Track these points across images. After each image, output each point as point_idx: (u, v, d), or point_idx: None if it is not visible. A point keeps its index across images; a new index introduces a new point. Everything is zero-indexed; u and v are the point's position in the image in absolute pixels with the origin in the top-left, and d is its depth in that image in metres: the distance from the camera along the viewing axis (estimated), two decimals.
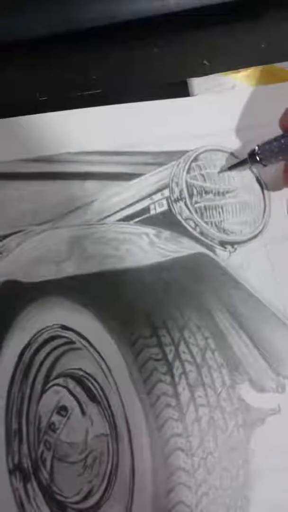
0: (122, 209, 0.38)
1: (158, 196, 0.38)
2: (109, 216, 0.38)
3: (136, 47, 0.40)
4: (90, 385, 0.35)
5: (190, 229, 0.37)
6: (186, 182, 0.37)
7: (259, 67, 0.39)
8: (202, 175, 0.37)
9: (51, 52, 0.39)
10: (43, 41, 0.38)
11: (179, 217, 0.37)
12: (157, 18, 0.39)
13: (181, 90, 0.39)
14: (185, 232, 0.37)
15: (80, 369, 0.35)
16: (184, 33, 0.40)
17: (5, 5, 0.39)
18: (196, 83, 0.39)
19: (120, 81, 0.39)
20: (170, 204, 0.37)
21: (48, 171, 0.38)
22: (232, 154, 0.38)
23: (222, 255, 0.36)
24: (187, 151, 0.38)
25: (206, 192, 0.37)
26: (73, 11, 0.39)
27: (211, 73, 0.39)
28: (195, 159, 0.37)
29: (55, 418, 0.34)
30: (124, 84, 0.39)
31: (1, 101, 0.38)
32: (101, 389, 0.34)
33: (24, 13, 0.39)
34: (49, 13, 0.39)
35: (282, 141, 0.33)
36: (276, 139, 0.34)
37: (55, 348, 0.36)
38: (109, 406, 0.34)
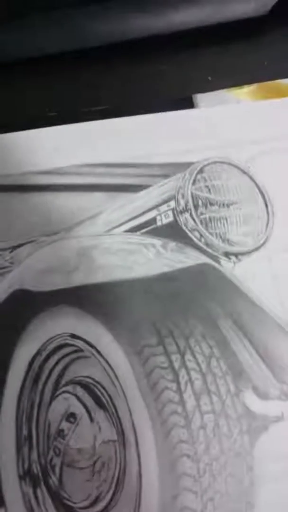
0: (129, 220, 0.39)
1: (164, 208, 0.38)
2: (116, 227, 0.39)
3: (143, 64, 0.41)
4: (98, 392, 0.36)
5: (195, 240, 0.37)
6: (192, 193, 0.38)
7: (263, 83, 0.40)
8: (207, 187, 0.38)
9: (61, 69, 0.40)
10: (54, 58, 0.39)
11: (184, 228, 0.38)
12: (164, 36, 0.40)
13: (187, 106, 0.40)
14: (190, 243, 0.37)
15: (88, 376, 0.36)
16: (189, 50, 0.41)
17: (15, 23, 0.40)
18: (201, 98, 0.40)
19: (128, 97, 0.40)
20: (176, 215, 0.38)
21: (57, 183, 0.40)
22: (236, 166, 0.39)
23: (226, 266, 0.37)
24: (193, 163, 0.39)
25: (211, 204, 0.38)
26: (82, 30, 0.40)
27: (215, 89, 0.40)
28: (201, 171, 0.38)
29: (64, 424, 0.35)
30: (131, 100, 0.40)
31: (12, 116, 0.40)
32: (109, 396, 0.35)
33: (34, 31, 0.40)
34: (58, 31, 0.40)
35: None
36: None
37: (64, 356, 0.37)
38: (117, 413, 0.35)
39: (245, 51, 0.41)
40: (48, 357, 0.37)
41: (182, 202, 0.38)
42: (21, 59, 0.40)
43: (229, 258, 0.37)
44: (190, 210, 0.38)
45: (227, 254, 0.37)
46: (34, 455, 0.35)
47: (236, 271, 0.37)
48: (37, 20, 0.40)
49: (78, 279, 0.37)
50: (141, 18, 0.41)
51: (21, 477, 0.35)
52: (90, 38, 0.40)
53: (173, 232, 0.38)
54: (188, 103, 0.40)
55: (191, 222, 0.38)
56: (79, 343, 0.36)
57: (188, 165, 0.39)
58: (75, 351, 0.36)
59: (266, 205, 0.38)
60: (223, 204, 0.38)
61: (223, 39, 0.41)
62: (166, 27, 0.41)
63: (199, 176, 0.38)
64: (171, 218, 0.38)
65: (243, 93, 0.40)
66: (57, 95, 0.40)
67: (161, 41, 0.40)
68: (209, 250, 0.37)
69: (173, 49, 0.41)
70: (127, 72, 0.41)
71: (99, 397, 0.35)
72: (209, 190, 0.38)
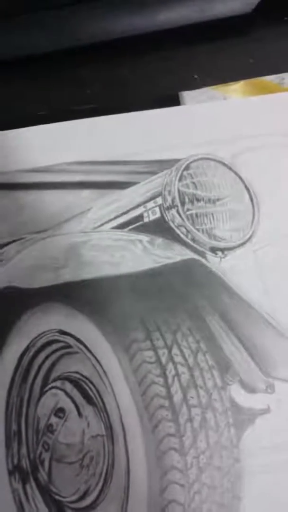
0: (117, 217, 0.39)
1: (151, 204, 0.39)
2: (104, 223, 0.39)
3: (130, 63, 0.41)
4: (86, 387, 0.36)
5: (182, 235, 0.38)
6: (178, 190, 0.38)
7: (248, 81, 0.41)
8: (194, 183, 0.39)
9: (50, 68, 0.40)
10: (43, 58, 0.40)
11: (171, 224, 0.38)
12: (150, 34, 0.40)
13: (173, 104, 0.40)
14: (177, 239, 0.38)
15: (77, 372, 0.36)
16: (175, 48, 0.41)
17: (3, 23, 0.41)
18: (187, 96, 0.40)
19: (115, 95, 0.41)
20: (163, 212, 0.38)
21: (45, 181, 0.40)
22: (222, 162, 0.39)
23: (213, 261, 0.37)
24: (179, 160, 0.39)
25: (198, 200, 0.38)
26: (70, 30, 0.40)
27: (201, 87, 0.40)
28: (187, 167, 0.39)
29: (53, 420, 0.35)
30: (118, 98, 0.41)
31: (1, 115, 0.40)
32: (97, 391, 0.35)
33: (22, 31, 0.41)
34: (47, 31, 0.41)
35: None
36: None
37: (53, 352, 0.37)
38: (105, 408, 0.35)
39: (231, 49, 0.41)
40: (37, 353, 0.37)
41: (168, 199, 0.38)
42: (10, 58, 0.40)
43: (216, 253, 0.38)
44: (177, 206, 0.38)
45: (213, 250, 0.38)
46: (23, 450, 0.35)
47: (223, 266, 0.37)
48: (25, 20, 0.41)
49: (67, 275, 0.37)
50: (128, 17, 0.41)
51: (11, 472, 0.35)
52: (78, 38, 0.41)
53: (160, 228, 0.38)
54: (175, 101, 0.40)
55: (177, 218, 0.38)
56: (68, 339, 0.37)
57: (174, 162, 0.39)
58: (64, 347, 0.37)
59: (252, 201, 0.38)
60: (209, 200, 0.38)
61: (209, 37, 0.41)
62: (152, 26, 0.41)
63: (185, 173, 0.39)
64: (158, 215, 0.39)
65: (229, 90, 0.41)
66: (46, 94, 0.41)
67: (148, 39, 0.41)
68: (196, 246, 0.38)
69: (159, 47, 0.41)
70: (115, 71, 0.41)
71: (87, 392, 0.36)
72: (196, 186, 0.39)
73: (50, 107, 0.40)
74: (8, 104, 0.40)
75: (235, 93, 0.41)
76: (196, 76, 0.41)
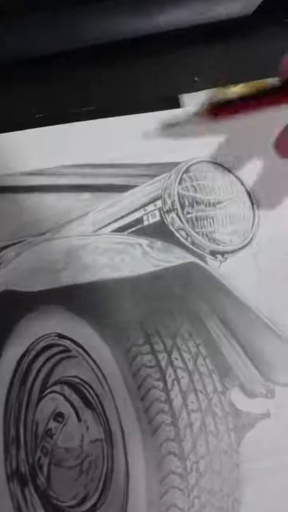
0: (116, 220, 0.39)
1: (151, 207, 0.39)
2: (103, 227, 0.39)
3: (130, 65, 0.41)
4: (85, 392, 0.36)
5: (182, 239, 0.38)
6: (178, 193, 0.38)
7: (249, 83, 0.41)
8: (194, 186, 0.38)
9: (48, 70, 0.40)
10: (40, 59, 0.39)
11: (171, 227, 0.38)
12: (150, 37, 0.40)
13: (173, 106, 0.40)
14: (177, 242, 0.38)
15: (76, 376, 0.36)
16: (175, 51, 0.41)
17: (3, 24, 0.40)
18: (187, 98, 0.40)
19: (115, 97, 0.41)
20: (163, 215, 0.38)
21: (44, 184, 0.40)
22: (222, 165, 0.39)
23: (212, 264, 0.37)
24: (179, 163, 0.39)
25: (198, 203, 0.38)
26: (69, 31, 0.40)
27: (201, 90, 0.40)
28: (187, 170, 0.39)
29: (52, 424, 0.35)
30: (118, 101, 0.40)
31: None
32: (96, 395, 0.35)
33: (21, 32, 0.41)
34: (46, 33, 0.41)
35: None
36: None
37: (52, 356, 0.37)
38: (104, 412, 0.35)
39: (231, 51, 0.41)
40: (35, 357, 0.37)
41: (168, 202, 0.38)
42: (8, 60, 0.40)
43: (216, 257, 0.38)
44: (177, 209, 0.38)
45: (213, 253, 0.38)
46: (22, 455, 0.35)
47: (223, 269, 0.37)
48: (24, 21, 0.41)
49: (66, 279, 0.37)
50: (128, 19, 0.41)
51: (9, 477, 0.35)
52: (76, 40, 0.40)
53: (160, 231, 0.38)
54: (175, 104, 0.40)
55: (177, 221, 0.38)
56: (67, 343, 0.36)
57: (174, 165, 0.39)
58: (63, 351, 0.37)
59: (252, 204, 0.38)
60: (210, 203, 0.38)
61: (209, 40, 0.41)
62: (153, 28, 0.41)
63: (185, 176, 0.38)
64: (157, 218, 0.38)
65: (230, 93, 0.41)
66: (44, 97, 0.40)
67: (148, 41, 0.41)
68: (196, 249, 0.38)
69: (159, 49, 0.41)
70: (114, 73, 0.41)
71: (86, 397, 0.36)
72: (195, 189, 0.38)
73: (49, 110, 0.40)
74: (7, 107, 0.40)
75: (235, 96, 0.41)
76: (196, 79, 0.41)
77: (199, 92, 0.40)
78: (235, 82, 0.41)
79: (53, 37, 0.40)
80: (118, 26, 0.40)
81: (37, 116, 0.40)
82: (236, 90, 0.41)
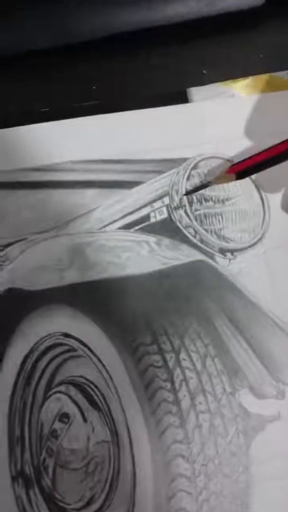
0: (123, 217, 0.38)
1: (158, 204, 0.38)
2: (110, 224, 0.38)
3: (136, 58, 0.40)
4: (91, 392, 0.35)
5: (190, 236, 0.37)
6: (186, 189, 0.37)
7: (258, 77, 0.40)
8: (202, 183, 0.38)
9: (51, 64, 0.39)
10: (43, 53, 0.39)
11: (179, 224, 0.37)
12: (156, 28, 0.39)
13: (181, 100, 0.39)
14: (185, 240, 0.37)
15: (81, 376, 0.35)
16: (183, 43, 0.40)
17: (5, 18, 0.39)
18: (195, 92, 0.39)
19: (120, 91, 0.40)
20: (170, 212, 0.37)
21: (49, 180, 0.39)
22: (231, 161, 0.38)
23: (221, 263, 0.37)
24: (187, 159, 0.38)
25: (206, 200, 0.37)
26: (73, 24, 0.39)
27: (210, 83, 0.39)
28: (195, 166, 0.38)
29: (57, 425, 0.35)
30: (123, 94, 0.40)
31: (2, 112, 0.39)
32: (102, 396, 0.35)
33: (24, 26, 0.40)
34: (49, 26, 0.40)
35: None
36: None
37: (57, 356, 0.36)
38: (110, 413, 0.34)
39: (240, 43, 0.40)
40: (40, 356, 0.36)
41: (176, 198, 0.37)
42: (10, 54, 0.39)
43: (225, 255, 0.37)
44: (185, 206, 0.37)
45: (222, 251, 0.37)
46: (27, 456, 0.35)
47: (232, 267, 0.36)
48: (26, 14, 0.40)
49: (71, 277, 0.36)
50: (134, 11, 0.40)
51: (14, 478, 0.34)
52: (81, 32, 0.39)
53: (167, 229, 0.37)
54: (182, 97, 0.39)
55: (185, 218, 0.37)
56: (72, 342, 0.36)
57: (182, 161, 0.38)
58: (68, 351, 0.36)
59: (262, 201, 0.37)
60: (218, 200, 0.37)
61: (217, 32, 0.40)
62: (160, 20, 0.40)
63: (193, 172, 0.38)
64: (165, 215, 0.38)
65: (238, 86, 0.40)
66: (48, 91, 0.40)
67: (155, 34, 0.40)
68: (204, 247, 0.37)
69: (167, 42, 0.40)
70: (119, 67, 0.40)
71: (92, 397, 0.35)
72: None
73: (52, 104, 0.39)
74: (9, 101, 0.39)
75: (244, 89, 0.40)
76: (204, 72, 0.40)
77: (207, 85, 0.39)
78: (244, 75, 0.40)
79: (57, 30, 0.39)
80: (124, 18, 0.39)
81: (41, 110, 0.39)
82: (245, 84, 0.40)
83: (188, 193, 0.36)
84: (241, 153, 0.38)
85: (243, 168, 0.36)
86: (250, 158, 0.36)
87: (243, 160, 0.36)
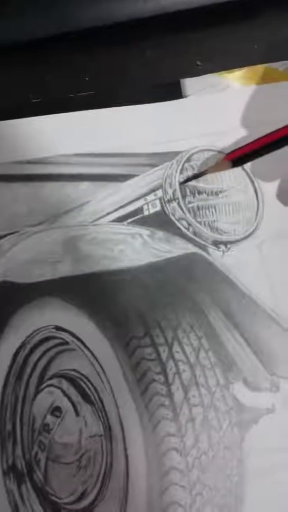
0: (116, 210, 0.38)
1: (151, 197, 0.38)
2: (103, 217, 0.38)
3: (129, 48, 0.40)
4: (84, 386, 0.35)
5: (183, 229, 0.37)
6: (179, 182, 0.37)
7: (253, 68, 0.39)
8: (199, 171, 0.37)
9: (43, 54, 0.39)
10: (35, 43, 0.38)
11: (172, 217, 0.37)
12: (150, 19, 0.39)
13: (174, 91, 0.39)
14: (178, 232, 0.37)
15: (74, 370, 0.35)
16: (177, 34, 0.40)
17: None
18: (189, 83, 0.39)
19: (113, 82, 0.39)
20: (163, 205, 0.37)
21: (42, 173, 0.39)
22: (224, 154, 0.38)
23: (215, 255, 0.36)
24: (180, 152, 0.38)
25: (199, 192, 0.37)
26: (66, 14, 0.39)
27: (204, 74, 0.39)
28: (188, 159, 0.38)
29: (49, 419, 0.34)
30: (117, 85, 0.39)
31: None
32: (95, 389, 0.34)
33: (17, 16, 0.39)
34: (41, 17, 0.39)
35: None
36: None
37: (49, 349, 0.36)
38: (103, 407, 0.34)
39: (234, 34, 0.40)
40: (32, 350, 0.36)
41: (169, 191, 0.37)
42: (2, 44, 0.39)
43: (218, 247, 0.36)
44: (178, 199, 0.37)
45: (216, 243, 0.36)
46: (18, 450, 0.34)
47: (225, 260, 0.36)
48: (19, 4, 0.39)
49: (64, 270, 0.36)
50: (128, 2, 0.40)
51: (5, 473, 0.34)
52: (74, 23, 0.39)
53: (161, 221, 0.37)
54: (176, 89, 0.39)
55: (178, 211, 0.37)
56: (65, 336, 0.35)
57: (175, 154, 0.38)
58: (60, 344, 0.36)
59: (256, 193, 0.37)
60: (212, 192, 0.37)
61: (211, 23, 0.40)
62: (153, 10, 0.39)
63: (186, 165, 0.37)
64: (158, 208, 0.37)
65: (233, 77, 0.39)
66: (40, 81, 0.39)
67: (148, 25, 0.39)
68: (198, 239, 0.36)
69: (160, 33, 0.40)
70: (113, 57, 0.40)
71: (85, 391, 0.35)
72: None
73: (46, 94, 0.39)
74: (3, 91, 0.39)
75: (238, 80, 0.39)
76: (198, 63, 0.39)
77: (201, 76, 0.39)
78: (239, 66, 0.40)
79: (52, 19, 0.39)
80: (119, 9, 0.39)
81: (33, 101, 0.39)
82: (239, 75, 0.40)
83: (184, 181, 0.36)
84: (235, 145, 0.38)
85: (239, 155, 0.35)
86: (246, 145, 0.36)
87: (239, 148, 0.36)
